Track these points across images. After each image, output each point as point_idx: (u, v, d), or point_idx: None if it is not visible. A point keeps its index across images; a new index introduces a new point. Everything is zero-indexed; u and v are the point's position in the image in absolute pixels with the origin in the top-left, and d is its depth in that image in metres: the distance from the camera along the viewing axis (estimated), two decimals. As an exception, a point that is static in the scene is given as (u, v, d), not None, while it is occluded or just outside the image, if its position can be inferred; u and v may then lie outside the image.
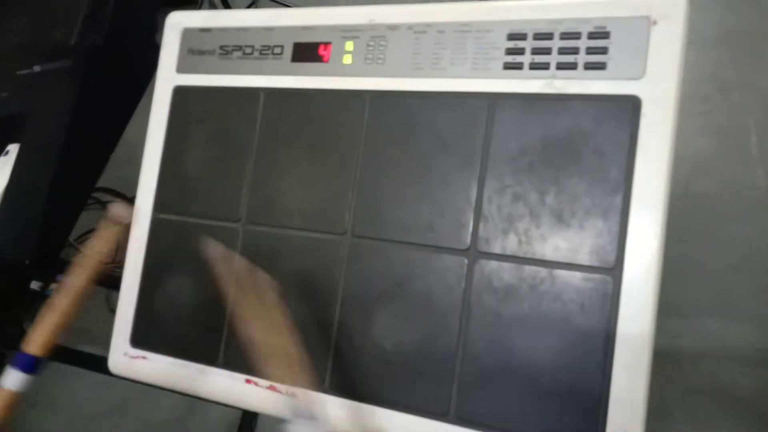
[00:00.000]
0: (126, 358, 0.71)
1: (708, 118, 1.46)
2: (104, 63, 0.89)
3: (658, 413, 1.23)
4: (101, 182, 1.82)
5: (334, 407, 0.61)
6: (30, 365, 0.55)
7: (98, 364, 0.72)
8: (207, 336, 0.66)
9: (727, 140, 1.42)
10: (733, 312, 1.28)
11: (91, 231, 1.78)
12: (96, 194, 1.79)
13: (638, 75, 0.53)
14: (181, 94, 0.71)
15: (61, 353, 1.36)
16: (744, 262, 1.30)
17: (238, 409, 1.23)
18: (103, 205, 1.80)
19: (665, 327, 1.29)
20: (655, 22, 0.53)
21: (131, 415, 1.63)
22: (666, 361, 1.28)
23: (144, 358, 0.70)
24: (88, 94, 0.86)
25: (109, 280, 0.74)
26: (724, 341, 1.27)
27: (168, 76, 0.71)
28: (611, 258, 0.53)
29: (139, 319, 0.70)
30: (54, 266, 0.89)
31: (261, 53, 0.67)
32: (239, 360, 0.65)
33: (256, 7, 1.88)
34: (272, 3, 1.79)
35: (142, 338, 0.70)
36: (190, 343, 0.67)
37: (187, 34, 0.71)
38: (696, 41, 1.56)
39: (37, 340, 0.55)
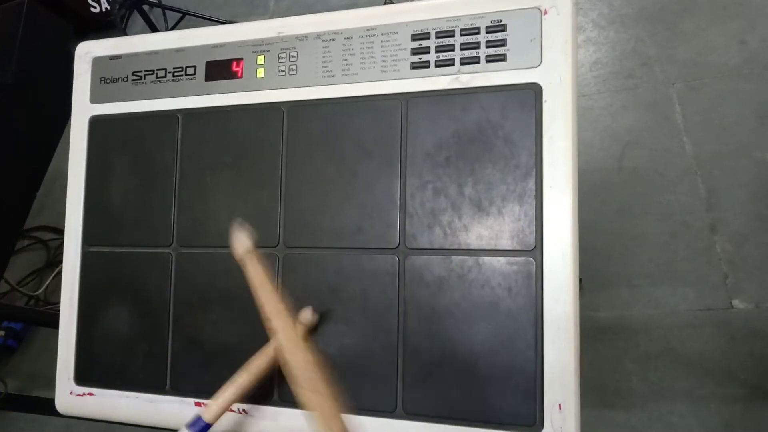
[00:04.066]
0: (72, 397, 0.69)
1: (634, 93, 1.52)
2: (17, 99, 0.87)
3: (617, 385, 1.27)
4: (41, 220, 1.79)
5: (286, 418, 0.61)
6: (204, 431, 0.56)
7: (53, 408, 0.71)
8: (152, 364, 0.66)
9: (654, 113, 1.48)
10: (678, 276, 1.33)
11: (34, 272, 1.75)
12: (36, 233, 1.75)
13: (536, 63, 0.55)
14: (98, 124, 0.70)
15: (15, 401, 1.32)
16: (682, 228, 1.36)
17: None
18: (45, 243, 1.75)
19: (616, 299, 1.34)
20: (545, 12, 0.55)
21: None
22: (620, 333, 1.32)
23: (91, 394, 0.69)
24: (1, 133, 0.84)
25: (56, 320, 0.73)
26: (672, 306, 1.32)
27: (83, 108, 0.70)
28: (531, 240, 0.55)
29: (81, 356, 0.69)
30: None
31: (174, 75, 0.67)
32: (187, 384, 0.65)
33: (182, 26, 1.87)
34: (198, 21, 1.79)
35: (86, 375, 0.69)
36: (135, 374, 0.67)
37: (98, 62, 0.70)
38: (616, 20, 1.62)
39: (214, 410, 0.56)
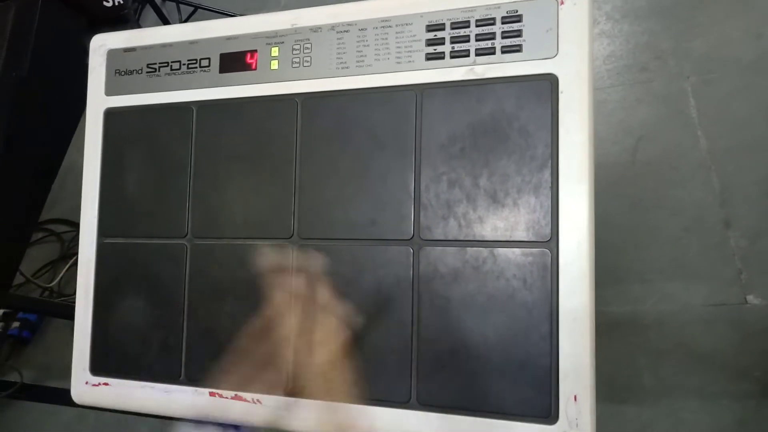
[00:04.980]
0: (88, 387, 0.70)
1: (648, 86, 1.50)
2: (31, 94, 0.88)
3: (628, 380, 1.27)
4: (55, 213, 1.80)
5: (300, 409, 0.61)
6: None
7: (68, 398, 0.72)
8: (166, 354, 0.66)
9: (668, 106, 1.46)
10: (692, 271, 1.32)
11: (49, 264, 1.76)
12: (50, 226, 1.76)
13: (552, 54, 0.55)
14: (112, 116, 0.70)
15: (30, 391, 1.34)
16: (695, 223, 1.35)
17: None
18: (59, 236, 1.77)
19: (628, 294, 1.34)
20: (562, 2, 0.55)
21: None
22: (632, 328, 1.31)
23: (106, 384, 0.69)
24: (17, 127, 0.85)
25: (70, 311, 0.73)
26: (685, 301, 1.31)
27: (97, 100, 0.71)
28: (546, 231, 0.55)
29: (97, 346, 0.69)
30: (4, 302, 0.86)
31: (189, 67, 0.67)
32: (201, 374, 0.65)
33: (195, 19, 1.87)
34: (210, 14, 1.79)
35: (101, 365, 0.69)
36: (150, 364, 0.67)
37: (112, 55, 0.71)
38: (629, 13, 1.60)
39: None
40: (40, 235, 1.78)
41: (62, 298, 1.68)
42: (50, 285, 1.69)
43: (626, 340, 1.31)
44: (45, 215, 1.79)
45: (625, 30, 1.59)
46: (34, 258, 1.77)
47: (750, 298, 1.27)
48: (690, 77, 1.46)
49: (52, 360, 1.63)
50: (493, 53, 0.57)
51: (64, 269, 1.71)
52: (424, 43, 0.59)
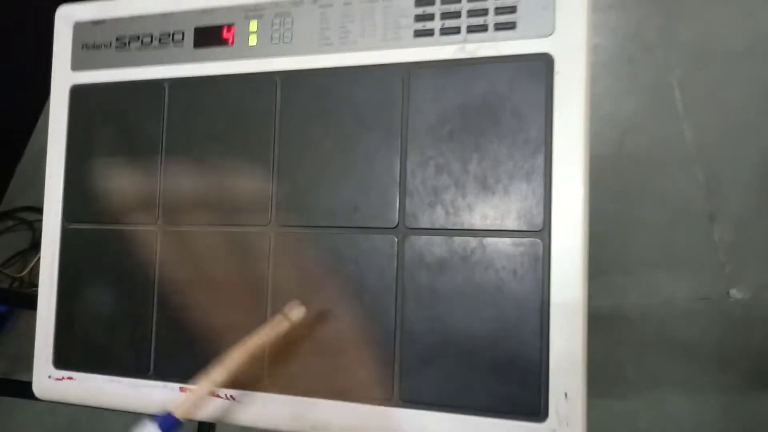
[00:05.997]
0: (51, 381, 0.66)
1: (634, 78, 1.49)
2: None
3: (611, 373, 1.26)
4: (27, 200, 1.74)
5: (274, 405, 0.58)
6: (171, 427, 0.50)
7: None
8: (135, 347, 0.63)
9: (654, 98, 1.45)
10: (675, 264, 1.31)
11: (19, 254, 1.70)
12: (21, 214, 1.70)
13: (548, 32, 0.52)
14: (79, 93, 0.66)
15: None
16: (681, 215, 1.34)
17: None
18: (30, 224, 1.70)
19: (612, 286, 1.32)
20: (559, -23, 0.52)
21: (83, 439, 1.56)
22: (615, 320, 1.30)
23: (71, 378, 0.65)
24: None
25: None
26: (670, 294, 1.30)
27: (63, 76, 0.66)
28: (539, 220, 0.52)
29: (61, 338, 0.66)
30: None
31: (161, 42, 0.63)
32: (171, 368, 0.62)
33: None
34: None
35: (65, 358, 0.65)
36: (117, 358, 0.63)
37: (79, 28, 0.66)
38: (616, 4, 1.58)
39: (185, 407, 0.51)
40: (10, 223, 1.72)
41: (33, 289, 1.62)
42: (20, 275, 1.64)
43: (609, 333, 1.29)
44: (16, 202, 1.73)
45: (612, 21, 1.57)
46: (3, 247, 1.71)
47: (733, 292, 1.27)
48: (677, 68, 1.45)
49: (22, 352, 1.58)
50: (486, 30, 0.54)
51: (35, 259, 1.66)
52: (412, 18, 0.56)
